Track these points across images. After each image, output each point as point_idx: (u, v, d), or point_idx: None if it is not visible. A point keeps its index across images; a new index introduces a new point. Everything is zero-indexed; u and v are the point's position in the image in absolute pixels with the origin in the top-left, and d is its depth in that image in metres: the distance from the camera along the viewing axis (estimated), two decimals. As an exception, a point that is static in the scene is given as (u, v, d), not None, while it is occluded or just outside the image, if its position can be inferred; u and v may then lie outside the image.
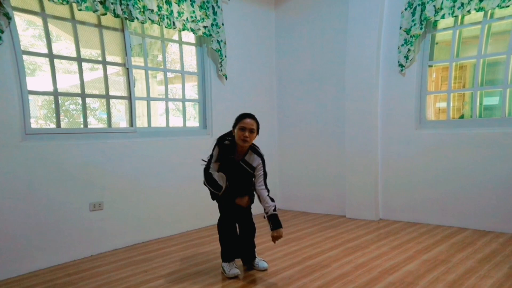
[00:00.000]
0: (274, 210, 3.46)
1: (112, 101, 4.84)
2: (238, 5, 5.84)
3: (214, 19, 5.26)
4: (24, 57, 3.96)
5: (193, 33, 5.10)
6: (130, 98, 4.73)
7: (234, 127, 3.51)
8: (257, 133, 3.52)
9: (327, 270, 3.62)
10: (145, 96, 5.01)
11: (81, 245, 4.23)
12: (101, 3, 4.15)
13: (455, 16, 4.81)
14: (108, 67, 4.65)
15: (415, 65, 5.22)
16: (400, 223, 5.28)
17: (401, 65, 5.23)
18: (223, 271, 3.63)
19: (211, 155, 3.53)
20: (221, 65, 5.46)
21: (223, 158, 3.49)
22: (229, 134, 3.56)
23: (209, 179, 3.48)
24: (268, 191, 3.53)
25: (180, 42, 5.36)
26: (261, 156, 3.55)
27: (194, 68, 5.64)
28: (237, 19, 5.82)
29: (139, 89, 5.08)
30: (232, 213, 3.63)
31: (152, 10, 4.59)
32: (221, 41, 5.33)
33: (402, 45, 5.18)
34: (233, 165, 3.52)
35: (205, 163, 3.55)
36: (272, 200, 3.49)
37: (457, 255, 3.92)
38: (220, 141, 3.51)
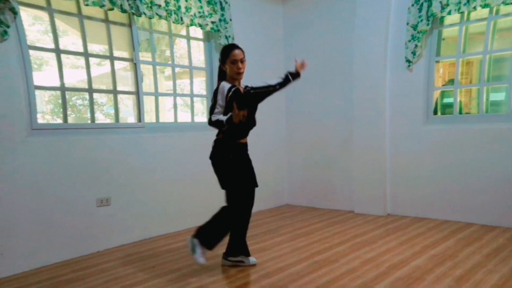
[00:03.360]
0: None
1: (119, 96, 4.83)
2: (246, 1, 5.82)
3: (222, 15, 5.25)
4: (31, 52, 3.93)
5: (201, 28, 5.09)
6: (138, 93, 4.72)
7: (223, 63, 3.49)
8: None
9: (335, 266, 3.63)
10: (153, 91, 5.00)
11: (88, 241, 4.22)
12: (108, -2, 4.13)
13: (461, 12, 4.84)
14: (116, 62, 4.64)
15: (422, 61, 5.23)
16: (408, 218, 5.28)
17: (408, 61, 5.24)
18: (237, 263, 3.68)
19: (215, 103, 3.40)
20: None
21: (237, 100, 3.40)
22: (223, 77, 3.54)
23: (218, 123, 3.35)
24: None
25: (188, 38, 5.35)
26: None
27: (202, 63, 5.63)
28: (245, 15, 5.80)
29: (147, 84, 5.08)
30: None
31: (159, 5, 4.57)
32: (229, 36, 5.32)
33: (409, 41, 5.18)
34: (245, 98, 3.53)
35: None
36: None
37: (464, 250, 3.94)
38: (231, 88, 3.42)
